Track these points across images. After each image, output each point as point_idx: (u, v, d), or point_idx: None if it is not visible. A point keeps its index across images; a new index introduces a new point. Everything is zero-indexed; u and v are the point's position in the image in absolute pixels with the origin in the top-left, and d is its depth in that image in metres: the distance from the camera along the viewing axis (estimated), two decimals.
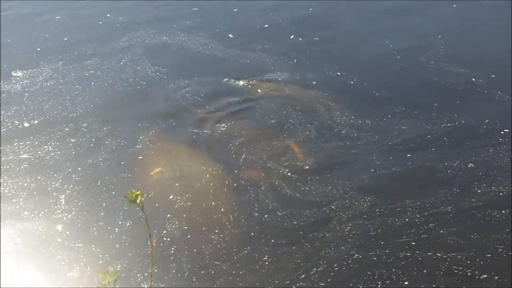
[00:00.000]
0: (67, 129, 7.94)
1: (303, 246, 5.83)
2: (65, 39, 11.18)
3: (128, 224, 6.21)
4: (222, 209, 6.36)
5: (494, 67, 9.05)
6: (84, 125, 8.04)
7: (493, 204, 6.27)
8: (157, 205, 6.42)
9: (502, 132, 7.43)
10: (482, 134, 7.48)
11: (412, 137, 7.46)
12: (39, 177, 7.00)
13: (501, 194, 6.42)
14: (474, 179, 6.66)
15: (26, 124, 8.08)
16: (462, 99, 8.26)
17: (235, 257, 5.73)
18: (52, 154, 7.41)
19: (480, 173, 6.74)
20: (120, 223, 6.25)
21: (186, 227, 6.12)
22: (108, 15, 12.31)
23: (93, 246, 5.96)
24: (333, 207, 6.34)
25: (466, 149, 7.19)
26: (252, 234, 6.03)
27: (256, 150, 7.38)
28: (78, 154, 7.43)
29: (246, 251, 5.80)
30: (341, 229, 6.02)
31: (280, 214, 6.28)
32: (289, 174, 6.94)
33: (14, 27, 11.97)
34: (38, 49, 10.75)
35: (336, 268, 5.54)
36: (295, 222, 6.16)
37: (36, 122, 8.14)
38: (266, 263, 5.65)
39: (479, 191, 6.47)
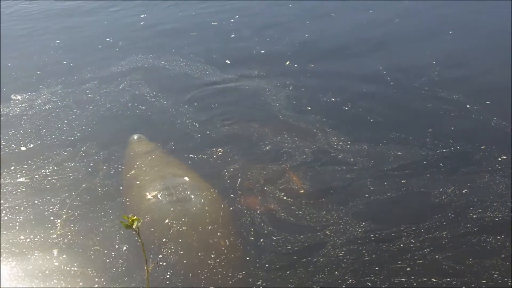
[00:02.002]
0: (65, 153, 7.98)
1: (297, 271, 5.83)
2: (65, 62, 11.28)
3: (124, 248, 6.22)
4: (218, 234, 6.35)
5: (490, 94, 9.07)
6: (82, 149, 8.08)
7: (489, 230, 6.26)
8: (152, 229, 6.40)
9: (499, 159, 7.43)
10: (478, 160, 7.47)
11: (408, 163, 7.48)
12: (36, 201, 7.02)
13: (496, 219, 6.42)
14: (469, 204, 6.66)
15: (23, 148, 8.12)
16: (457, 126, 8.27)
17: (230, 282, 5.74)
18: (49, 178, 7.44)
19: (476, 199, 6.75)
20: (116, 247, 6.25)
21: (182, 252, 6.11)
22: (108, 39, 12.41)
23: (89, 270, 5.97)
24: (327, 232, 6.34)
25: (461, 175, 7.20)
26: (247, 258, 6.04)
27: (253, 174, 7.40)
28: (76, 178, 7.45)
29: (241, 276, 5.81)
30: (335, 254, 6.02)
31: (275, 238, 6.30)
32: (284, 198, 6.96)
33: (14, 51, 12.07)
34: (38, 72, 10.83)
35: None
36: (290, 247, 6.16)
37: (34, 146, 8.18)
38: (260, 287, 5.66)
39: (474, 216, 6.47)
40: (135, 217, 4.02)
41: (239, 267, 5.91)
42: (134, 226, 4.00)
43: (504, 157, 7.48)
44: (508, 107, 8.66)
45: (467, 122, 8.36)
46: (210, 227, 6.42)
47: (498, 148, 7.66)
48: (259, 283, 5.70)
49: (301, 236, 6.30)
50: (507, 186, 6.93)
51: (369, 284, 5.62)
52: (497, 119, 8.30)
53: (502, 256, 5.90)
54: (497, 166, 7.32)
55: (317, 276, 5.74)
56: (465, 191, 6.89)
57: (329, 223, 6.48)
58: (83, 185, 7.29)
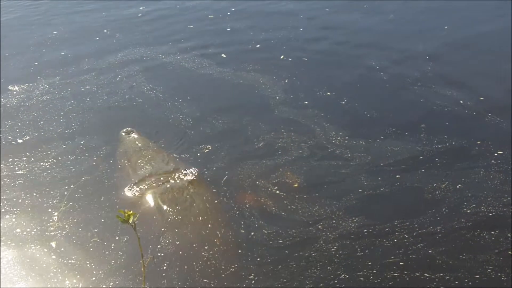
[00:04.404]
0: (63, 146, 8.00)
1: (288, 266, 5.86)
2: (62, 53, 11.30)
3: (124, 239, 6.26)
4: (211, 227, 6.42)
5: (482, 89, 9.09)
6: (81, 142, 8.10)
7: (483, 225, 6.28)
8: (149, 222, 6.48)
9: (495, 154, 7.45)
10: (473, 155, 7.49)
11: (403, 158, 7.49)
12: (34, 194, 7.05)
13: (490, 214, 6.43)
14: (463, 200, 6.68)
15: (20, 140, 8.13)
16: (451, 121, 8.30)
17: (223, 275, 5.78)
18: (49, 171, 7.46)
19: (470, 194, 6.76)
20: (117, 238, 6.30)
21: (178, 243, 6.18)
22: (105, 30, 12.41)
23: (87, 262, 6.00)
24: (320, 226, 6.37)
25: (456, 171, 7.21)
26: (239, 251, 6.08)
27: (247, 169, 7.42)
28: (74, 171, 7.48)
29: (233, 269, 5.85)
30: (328, 249, 6.03)
31: (266, 232, 6.32)
32: (277, 192, 6.98)
33: (13, 42, 12.07)
34: (36, 63, 10.86)
35: None
36: (281, 241, 6.19)
37: (31, 138, 8.19)
38: (253, 281, 5.69)
39: (468, 211, 6.49)
40: (131, 212, 4.06)
41: (231, 261, 5.94)
42: (130, 221, 4.05)
43: (500, 152, 7.49)
44: (501, 103, 8.68)
45: (461, 118, 8.38)
46: (204, 221, 6.50)
47: (494, 144, 7.67)
48: (251, 277, 5.74)
49: (293, 231, 6.33)
50: (502, 181, 6.95)
51: (362, 279, 5.64)
52: (491, 115, 8.31)
53: (496, 251, 5.92)
54: (492, 161, 7.34)
55: (309, 271, 5.77)
56: (460, 186, 6.90)
57: (322, 218, 6.50)
58: (82, 178, 7.30)
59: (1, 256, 6.08)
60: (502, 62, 10.04)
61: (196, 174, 7.27)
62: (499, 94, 8.96)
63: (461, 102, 8.75)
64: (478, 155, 7.51)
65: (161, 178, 7.12)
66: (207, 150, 7.85)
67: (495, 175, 7.07)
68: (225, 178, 7.27)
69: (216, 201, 6.84)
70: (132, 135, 8.15)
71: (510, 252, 5.90)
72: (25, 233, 6.41)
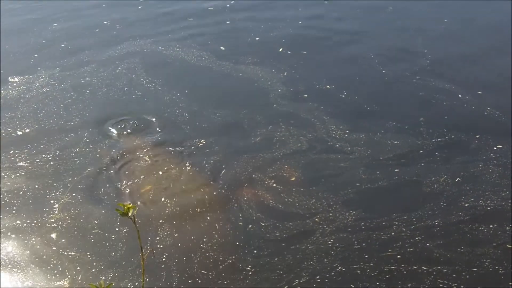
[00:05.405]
0: (64, 138, 7.99)
1: (285, 258, 5.88)
2: (62, 45, 11.28)
3: (124, 230, 6.27)
4: (209, 219, 6.46)
5: (481, 83, 9.11)
6: (85, 134, 8.08)
7: (481, 219, 6.30)
8: (148, 215, 6.52)
9: (495, 148, 7.47)
10: (472, 149, 7.50)
11: (403, 152, 7.48)
12: (36, 186, 7.05)
13: (488, 208, 6.46)
14: (461, 193, 6.70)
15: (20, 132, 8.12)
16: (450, 115, 8.31)
17: (221, 266, 5.81)
18: (51, 162, 7.46)
19: (468, 188, 6.78)
20: (117, 229, 6.31)
21: (176, 235, 6.23)
22: (105, 22, 12.40)
23: (88, 254, 6.01)
24: (316, 219, 6.38)
25: (455, 164, 7.22)
26: (237, 243, 6.10)
27: (245, 162, 7.43)
28: (74, 164, 7.46)
29: (231, 261, 5.87)
30: (324, 241, 6.05)
31: (263, 224, 6.34)
32: (275, 185, 7.00)
33: (12, 33, 12.05)
34: (36, 55, 10.84)
35: (319, 280, 5.58)
36: (278, 234, 6.20)
37: (31, 130, 8.17)
38: (250, 273, 5.71)
39: (466, 205, 6.51)
40: (130, 205, 4.07)
41: (229, 253, 5.97)
42: (129, 214, 4.06)
43: (499, 146, 7.50)
44: (499, 97, 8.69)
45: (460, 111, 8.39)
46: (202, 214, 6.56)
47: (493, 137, 7.69)
48: (248, 268, 5.76)
49: (290, 223, 6.34)
50: (501, 175, 6.97)
51: (359, 272, 5.65)
52: (490, 109, 8.32)
53: (494, 244, 5.94)
54: (491, 155, 7.36)
55: (305, 263, 5.78)
56: (458, 180, 6.92)
57: (319, 211, 6.51)
58: (86, 170, 7.32)
59: (1, 247, 6.10)
60: (500, 56, 10.03)
61: (194, 167, 7.31)
62: (498, 87, 8.96)
63: (460, 96, 8.75)
64: (477, 149, 7.52)
65: (160, 172, 7.20)
66: (205, 143, 7.85)
67: (494, 169, 7.09)
68: (223, 171, 7.29)
69: (214, 194, 6.87)
70: (132, 129, 8.18)
71: (508, 246, 5.92)
72: (25, 224, 6.42)
